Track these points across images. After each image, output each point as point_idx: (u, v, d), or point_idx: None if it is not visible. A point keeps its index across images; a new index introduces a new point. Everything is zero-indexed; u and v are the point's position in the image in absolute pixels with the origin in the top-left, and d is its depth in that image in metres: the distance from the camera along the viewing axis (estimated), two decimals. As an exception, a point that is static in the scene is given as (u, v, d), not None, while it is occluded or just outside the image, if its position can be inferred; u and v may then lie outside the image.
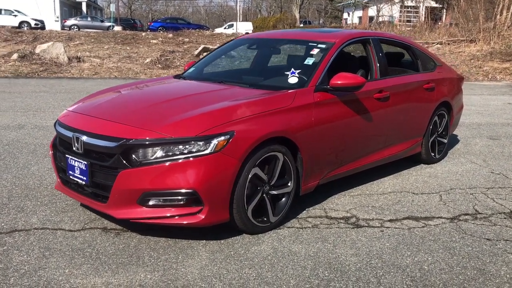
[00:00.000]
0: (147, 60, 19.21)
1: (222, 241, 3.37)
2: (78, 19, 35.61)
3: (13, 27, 30.79)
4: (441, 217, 3.93)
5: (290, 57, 4.85)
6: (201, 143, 3.07)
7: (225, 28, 45.88)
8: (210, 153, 3.08)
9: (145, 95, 4.00)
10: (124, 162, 3.09)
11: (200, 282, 2.82)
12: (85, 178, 3.31)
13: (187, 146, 3.06)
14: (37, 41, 25.52)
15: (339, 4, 55.95)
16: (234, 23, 48.13)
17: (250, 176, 3.28)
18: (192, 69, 4.89)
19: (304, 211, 3.98)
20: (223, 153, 3.11)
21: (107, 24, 35.06)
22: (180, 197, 3.09)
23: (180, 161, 3.05)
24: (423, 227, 3.72)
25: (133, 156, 3.08)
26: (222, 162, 3.11)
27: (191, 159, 3.05)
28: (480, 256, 3.24)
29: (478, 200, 4.37)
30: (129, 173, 3.07)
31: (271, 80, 4.29)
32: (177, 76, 4.68)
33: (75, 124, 3.45)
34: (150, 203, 3.10)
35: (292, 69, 4.08)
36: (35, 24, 32.94)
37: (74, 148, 3.34)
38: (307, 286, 2.81)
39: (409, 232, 3.61)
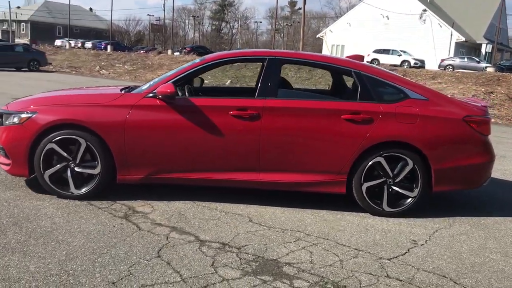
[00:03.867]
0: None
1: (29, 190, 4.64)
2: (454, 59, 35.81)
3: (391, 65, 34.18)
4: (224, 243, 3.79)
5: None
6: (15, 116, 4.51)
7: None
8: (16, 124, 4.48)
9: (71, 91, 5.48)
10: (1, 123, 4.84)
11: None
12: None
13: (12, 117, 4.56)
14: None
15: None
16: None
17: (46, 148, 4.42)
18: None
19: (133, 200, 4.61)
20: (23, 126, 4.44)
21: (482, 65, 33.83)
22: (2, 151, 4.61)
23: (6, 126, 4.58)
24: (182, 244, 3.61)
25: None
26: (21, 132, 4.45)
27: (9, 125, 4.54)
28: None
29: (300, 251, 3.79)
30: None
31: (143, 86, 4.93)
32: None
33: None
34: (1, 152, 4.74)
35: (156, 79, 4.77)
36: (414, 63, 35.32)
37: None
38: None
39: (151, 237, 3.78)
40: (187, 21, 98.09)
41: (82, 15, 76.31)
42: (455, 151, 4.50)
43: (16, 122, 4.46)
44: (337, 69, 4.85)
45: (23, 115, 4.44)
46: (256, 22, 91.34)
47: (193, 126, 4.41)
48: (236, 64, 27.15)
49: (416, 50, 41.12)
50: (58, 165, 4.48)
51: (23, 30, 74.96)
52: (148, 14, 79.81)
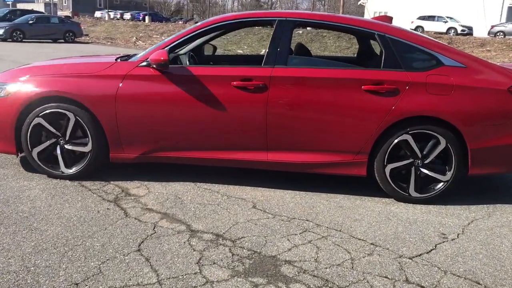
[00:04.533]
0: None
1: (20, 169, 4.28)
2: (506, 25, 33.52)
3: (436, 32, 32.51)
4: (218, 235, 3.36)
5: None
6: (2, 88, 4.11)
7: None
8: (2, 96, 4.09)
9: (65, 60, 5.02)
10: None
11: None
12: None
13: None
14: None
15: None
16: None
17: (33, 123, 4.02)
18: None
19: (129, 181, 4.19)
20: (8, 98, 4.05)
21: (537, 30, 31.56)
22: (-10, 126, 4.24)
23: None
24: (170, 235, 3.30)
25: None
26: (6, 105, 4.06)
27: None
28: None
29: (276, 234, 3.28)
30: None
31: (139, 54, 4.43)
32: None
33: None
34: None
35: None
36: (462, 30, 33.51)
37: None
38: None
39: (137, 226, 3.38)
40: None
41: (122, -14, 76.34)
42: (498, 127, 3.80)
43: (2, 95, 4.06)
44: (358, 31, 4.18)
45: (8, 87, 4.04)
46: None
47: (191, 99, 3.90)
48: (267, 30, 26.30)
49: (464, 16, 38.88)
50: (47, 142, 4.09)
51: (65, 3, 75.76)
52: (186, -16, 79.24)
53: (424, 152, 3.84)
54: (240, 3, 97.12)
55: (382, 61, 3.89)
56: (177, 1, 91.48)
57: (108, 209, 3.55)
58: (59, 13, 58.16)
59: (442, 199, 3.93)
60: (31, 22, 24.97)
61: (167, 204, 3.68)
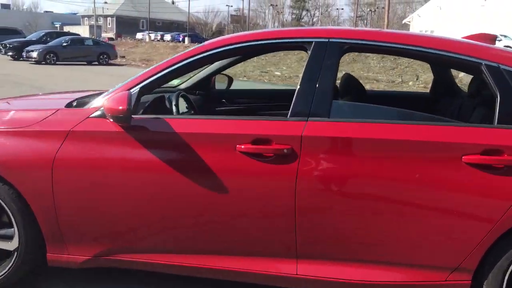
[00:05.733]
0: None
1: None
2: None
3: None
4: None
5: None
6: None
7: None
8: None
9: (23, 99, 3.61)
10: None
11: None
12: None
13: None
14: None
15: None
16: None
17: None
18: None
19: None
20: None
21: None
22: None
23: None
24: None
25: None
26: None
27: None
28: None
29: None
30: None
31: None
32: None
33: None
34: None
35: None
36: (516, 49, 31.05)
37: None
38: None
39: None
40: (267, 11, 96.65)
41: (163, 8, 77.28)
42: None
43: None
44: (451, 60, 2.48)
45: None
46: (337, 9, 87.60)
47: (171, 172, 2.36)
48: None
49: (518, 33, 36.42)
50: (-47, 234, 2.63)
51: (109, 25, 77.31)
52: (226, 5, 79.47)
53: None
54: (281, 23, 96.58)
55: (496, 112, 2.22)
56: (218, 22, 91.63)
57: None
58: (103, 35, 59.09)
59: None
60: (65, 44, 24.47)
61: None
